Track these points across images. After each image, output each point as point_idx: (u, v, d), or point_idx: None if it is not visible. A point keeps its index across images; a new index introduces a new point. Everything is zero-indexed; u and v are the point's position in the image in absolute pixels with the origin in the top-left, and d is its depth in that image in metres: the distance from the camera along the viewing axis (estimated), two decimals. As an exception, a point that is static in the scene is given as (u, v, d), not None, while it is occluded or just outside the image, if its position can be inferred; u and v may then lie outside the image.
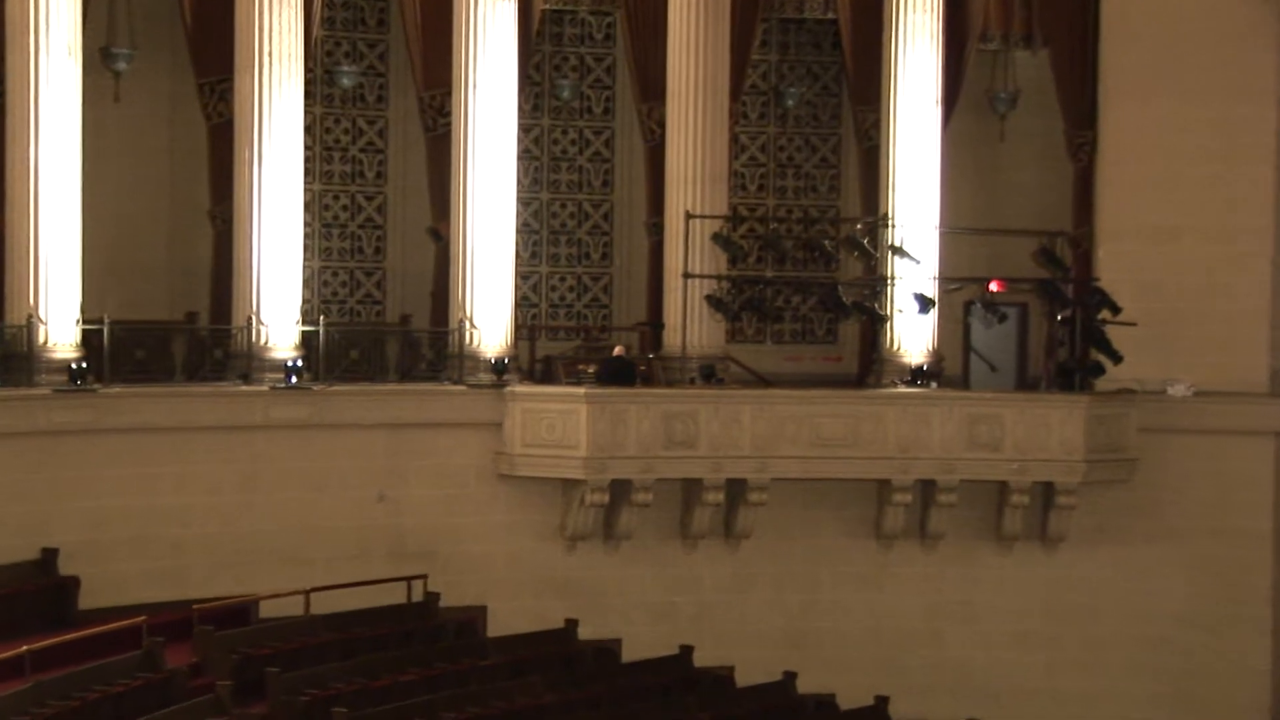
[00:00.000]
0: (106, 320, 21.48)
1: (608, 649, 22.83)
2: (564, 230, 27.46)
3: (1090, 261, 25.51)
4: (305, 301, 23.10)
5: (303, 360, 22.26)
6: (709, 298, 23.87)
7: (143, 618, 19.31)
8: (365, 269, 26.50)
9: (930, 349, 25.03)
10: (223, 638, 19.82)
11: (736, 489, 23.36)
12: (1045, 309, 24.97)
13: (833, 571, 24.22)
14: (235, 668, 19.28)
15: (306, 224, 23.53)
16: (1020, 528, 24.20)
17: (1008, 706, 24.35)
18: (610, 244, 27.57)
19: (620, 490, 22.96)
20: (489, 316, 23.31)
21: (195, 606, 20.20)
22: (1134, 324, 24.01)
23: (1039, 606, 24.62)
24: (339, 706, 18.73)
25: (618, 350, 24.35)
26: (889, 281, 24.47)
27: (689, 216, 24.00)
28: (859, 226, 24.57)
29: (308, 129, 23.59)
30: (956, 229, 25.16)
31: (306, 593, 21.22)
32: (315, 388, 22.19)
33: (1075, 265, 25.32)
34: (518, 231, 24.05)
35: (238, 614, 20.87)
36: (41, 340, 20.72)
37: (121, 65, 23.66)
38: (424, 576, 22.36)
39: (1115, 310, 23.89)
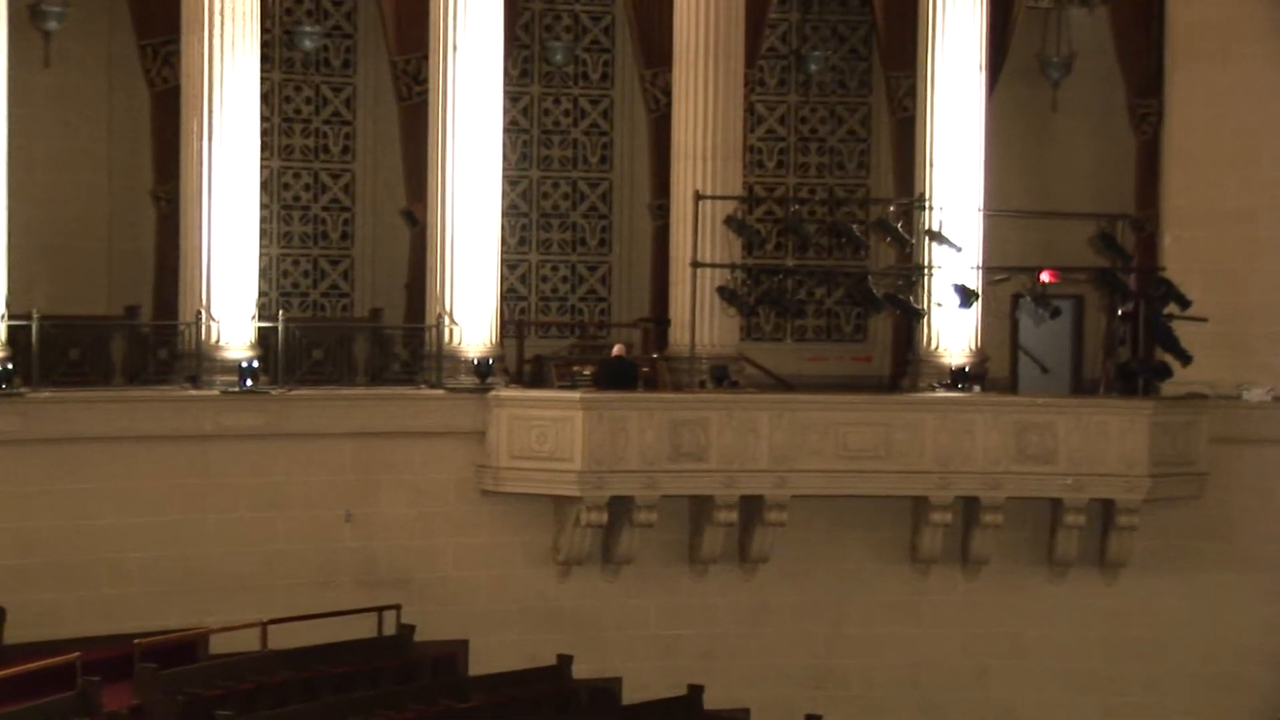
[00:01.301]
0: (35, 315, 21.41)
1: (606, 689, 22.73)
2: (556, 213, 27.46)
3: (1155, 248, 25.55)
4: (262, 294, 23.08)
5: (259, 361, 22.21)
6: (721, 290, 23.91)
7: (77, 654, 19.20)
8: (330, 257, 26.49)
9: (973, 348, 25.08)
10: (168, 676, 19.78)
11: (752, 507, 23.33)
12: (1104, 302, 25.04)
13: (862, 601, 24.20)
14: (182, 710, 19.24)
15: (263, 205, 23.55)
16: (1075, 552, 24.18)
17: (1060, 754, 24.48)
18: (609, 228, 27.58)
19: (620, 509, 22.93)
20: (471, 311, 23.29)
21: (136, 641, 20.14)
22: (1205, 319, 24.04)
23: (1096, 641, 24.60)
24: (300, 755, 18.69)
25: (617, 349, 24.35)
26: (926, 271, 24.52)
27: (699, 197, 24.02)
28: (892, 208, 24.72)
29: (264, 97, 23.57)
30: (1003, 211, 25.18)
31: (263, 625, 21.20)
32: (273, 392, 22.14)
33: (1138, 253, 25.37)
34: (504, 214, 24.02)
35: (185, 649, 20.83)
36: (-39, 339, 20.73)
37: (53, 25, 23.64)
38: (397, 607, 22.35)
39: (1184, 304, 23.92)
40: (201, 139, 22.15)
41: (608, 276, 27.63)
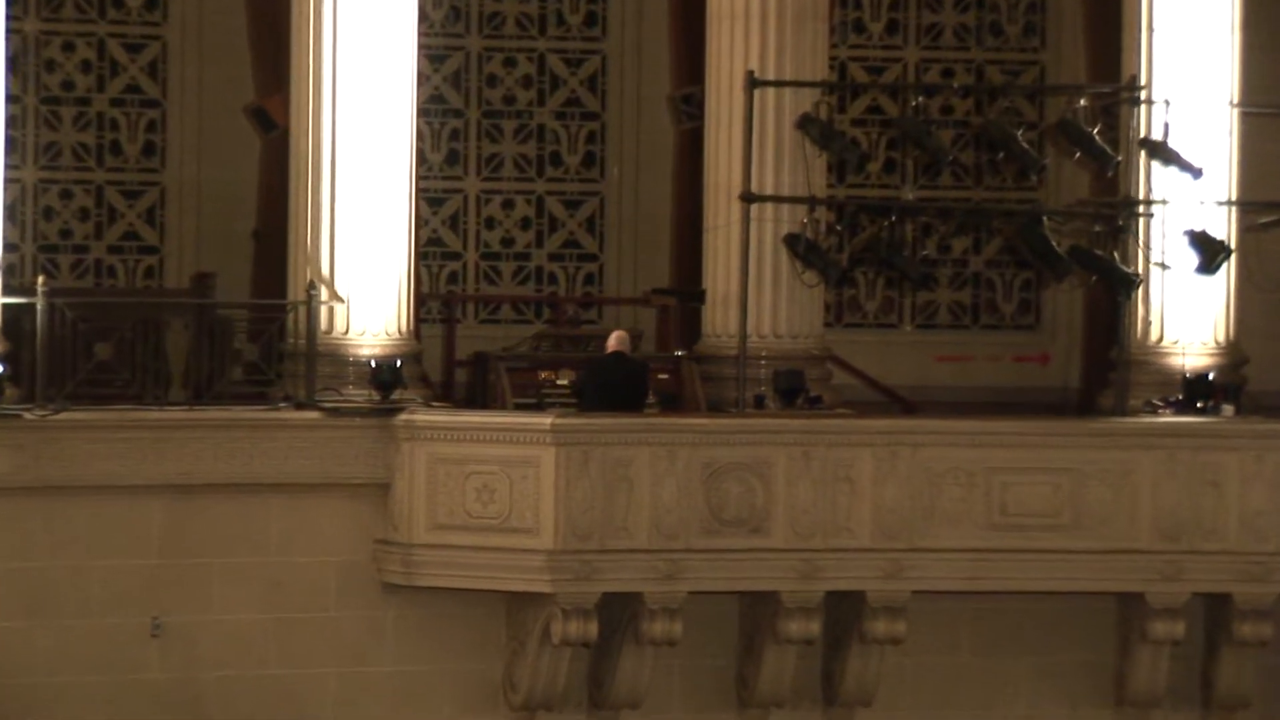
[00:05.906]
0: None
1: None
2: (510, 110, 27.66)
3: None
4: (9, 248, 23.29)
5: (5, 363, 22.14)
6: (791, 241, 23.86)
7: None
8: (125, 185, 26.71)
9: (1221, 341, 25.78)
10: None
11: (846, 613, 23.49)
12: None
13: (1035, 771, 24.31)
14: None
15: (15, 100, 23.82)
16: (1398, 687, 24.24)
17: None
18: (600, 138, 27.57)
19: (619, 614, 22.94)
20: (366, 278, 23.64)
21: None
22: None
23: None
24: None
25: (616, 339, 24.43)
26: (1141, 209, 24.44)
27: (753, 84, 24.01)
28: (1082, 103, 24.54)
29: (14, -86, 23.57)
30: (1270, 108, 25.01)
31: (13, 813, 21.17)
32: (29, 415, 22.29)
33: None
34: (420, 114, 24.24)
35: None
36: None
37: None
38: (239, 780, 22.30)
39: None
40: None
41: (598, 219, 27.65)
